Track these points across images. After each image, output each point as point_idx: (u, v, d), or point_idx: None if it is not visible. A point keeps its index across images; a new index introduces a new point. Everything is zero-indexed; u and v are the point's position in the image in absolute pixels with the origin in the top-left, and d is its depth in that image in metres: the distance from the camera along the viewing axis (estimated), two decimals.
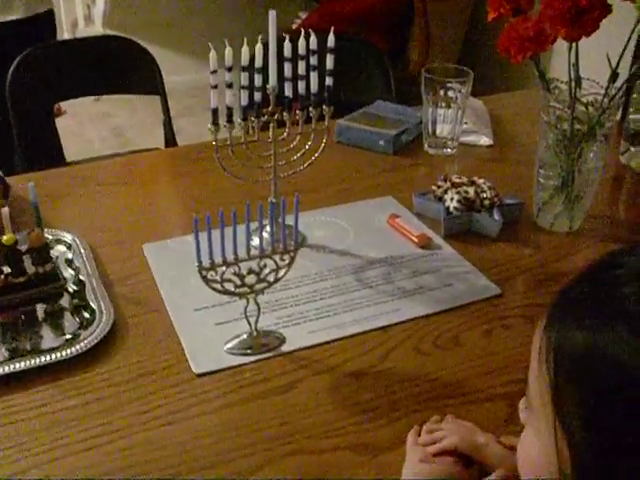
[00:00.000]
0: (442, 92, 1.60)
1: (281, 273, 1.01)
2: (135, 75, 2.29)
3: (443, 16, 3.17)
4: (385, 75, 2.21)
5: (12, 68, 2.07)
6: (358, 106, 1.78)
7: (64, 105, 3.78)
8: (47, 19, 2.52)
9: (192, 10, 4.40)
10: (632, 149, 1.64)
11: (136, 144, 3.67)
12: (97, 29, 4.31)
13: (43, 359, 1.02)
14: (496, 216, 1.33)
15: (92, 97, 3.36)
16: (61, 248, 1.27)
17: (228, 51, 1.09)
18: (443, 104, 1.61)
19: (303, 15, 3.73)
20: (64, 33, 4.22)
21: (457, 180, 1.39)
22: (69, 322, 1.12)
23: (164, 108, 2.28)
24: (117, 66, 2.28)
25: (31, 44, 2.14)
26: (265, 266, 0.99)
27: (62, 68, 2.22)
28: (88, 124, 4.07)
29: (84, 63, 2.25)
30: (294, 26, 3.52)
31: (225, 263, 0.96)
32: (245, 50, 1.11)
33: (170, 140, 2.30)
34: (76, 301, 1.16)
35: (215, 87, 1.11)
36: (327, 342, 1.07)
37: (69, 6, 4.34)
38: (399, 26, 3.41)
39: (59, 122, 2.70)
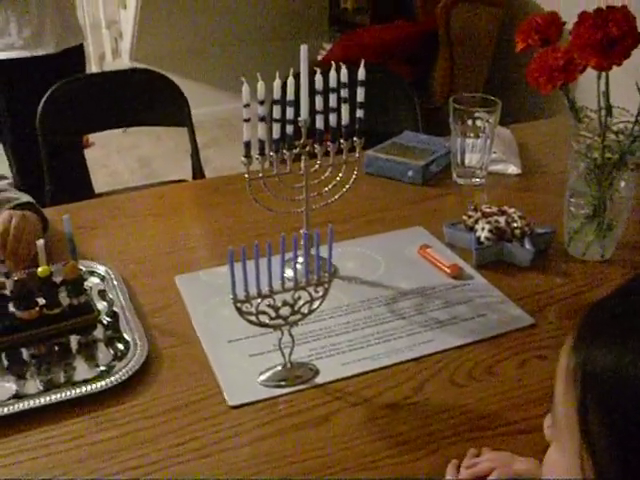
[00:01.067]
0: (470, 122, 1.61)
1: (315, 305, 1.01)
2: (163, 107, 2.32)
3: (467, 45, 3.18)
4: (410, 105, 2.22)
5: (42, 101, 2.10)
6: (383, 136, 1.78)
7: (92, 137, 3.83)
8: (77, 53, 2.57)
9: (217, 42, 4.46)
10: None
11: (162, 175, 3.71)
12: (124, 62, 4.38)
13: (78, 391, 1.03)
14: (527, 245, 1.33)
15: (119, 129, 3.40)
16: (94, 280, 1.29)
17: (260, 85, 1.10)
18: (471, 134, 1.61)
19: (327, 46, 3.77)
20: (92, 66, 4.29)
21: (487, 210, 1.39)
22: (103, 354, 1.13)
23: (192, 140, 2.30)
24: (145, 98, 2.31)
25: (62, 78, 2.18)
26: (299, 298, 1.00)
27: (91, 101, 2.25)
28: (115, 155, 4.12)
29: (112, 96, 2.28)
30: (319, 57, 3.55)
31: (260, 295, 0.96)
32: (277, 83, 1.12)
33: (197, 171, 2.32)
34: (110, 333, 1.17)
35: (248, 120, 1.12)
36: (361, 374, 1.07)
37: (97, 40, 4.42)
38: (423, 56, 3.44)
39: (87, 153, 2.74)
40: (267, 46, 4.50)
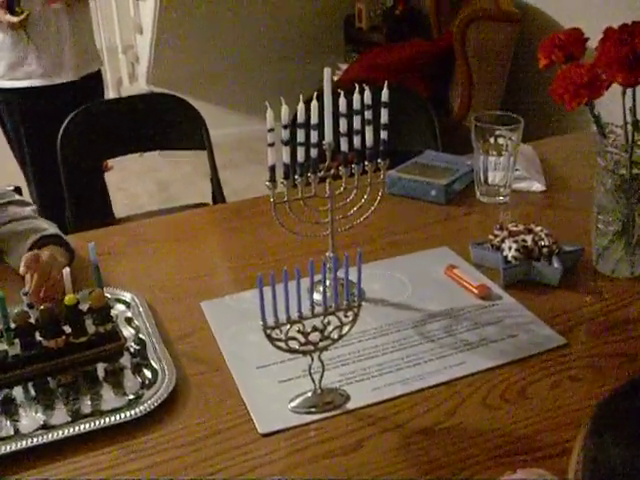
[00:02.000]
0: (492, 140, 1.60)
1: (345, 329, 1.00)
2: (181, 131, 2.32)
3: (484, 62, 3.17)
4: (430, 123, 2.21)
5: (62, 128, 2.11)
6: (403, 155, 1.77)
7: (111, 161, 3.86)
8: (96, 79, 2.59)
9: (233, 64, 4.48)
10: None
11: (181, 198, 3.71)
12: (141, 86, 4.41)
13: (107, 420, 1.02)
14: (556, 264, 1.31)
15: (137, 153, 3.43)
16: (120, 307, 1.28)
17: (284, 109, 1.10)
18: (494, 152, 1.60)
19: (343, 66, 3.77)
20: (109, 91, 4.32)
21: (514, 228, 1.37)
22: (131, 382, 1.12)
23: (211, 163, 2.30)
24: (163, 122, 2.32)
25: (81, 104, 2.19)
26: (329, 323, 0.99)
27: (110, 126, 2.26)
28: (134, 179, 4.13)
29: (130, 120, 2.30)
30: (335, 77, 3.56)
31: (289, 321, 0.95)
32: (301, 107, 1.12)
33: (218, 195, 2.32)
34: (137, 360, 1.16)
35: (272, 145, 1.11)
36: (392, 399, 1.06)
37: (114, 65, 4.45)
38: (440, 74, 3.43)
39: (105, 177, 2.75)
40: (283, 67, 4.51)
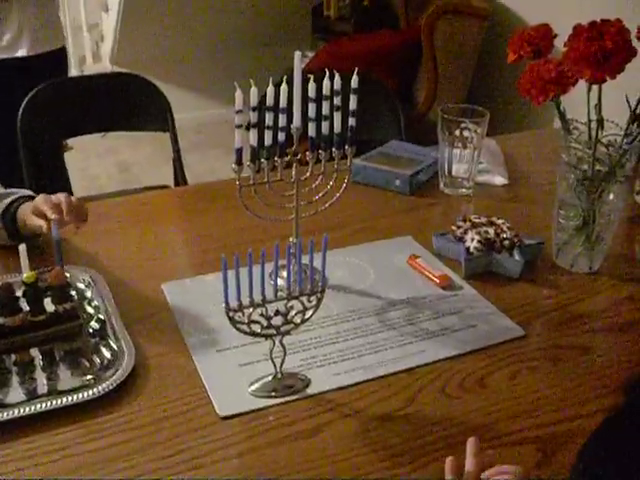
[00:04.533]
0: (458, 132, 1.61)
1: (308, 314, 1.00)
2: (144, 112, 2.30)
3: (451, 55, 3.19)
4: (394, 113, 2.22)
5: (23, 105, 2.07)
6: (367, 144, 1.78)
7: (70, 141, 3.80)
8: (59, 56, 2.54)
9: (198, 47, 4.45)
10: None
11: (141, 180, 3.68)
12: (105, 65, 4.35)
13: (64, 400, 1.01)
14: (517, 256, 1.33)
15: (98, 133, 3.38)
16: (80, 286, 1.26)
17: (253, 91, 1.09)
18: (459, 144, 1.61)
19: (310, 54, 3.76)
20: (72, 69, 4.25)
21: (476, 220, 1.38)
22: (89, 362, 1.10)
23: (174, 146, 2.28)
24: (126, 103, 2.29)
25: (43, 80, 2.15)
26: (292, 307, 0.98)
27: (72, 105, 2.23)
28: (94, 160, 4.08)
29: (93, 100, 2.26)
30: (302, 65, 3.55)
31: (253, 304, 0.95)
32: (271, 90, 1.11)
33: (180, 177, 2.30)
34: (96, 340, 1.14)
35: (239, 127, 1.11)
36: (353, 385, 1.06)
37: (77, 43, 4.38)
38: (406, 65, 3.44)
39: (65, 158, 2.71)
40: (248, 53, 4.49)
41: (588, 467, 0.61)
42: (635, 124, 1.27)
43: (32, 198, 1.37)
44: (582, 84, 1.23)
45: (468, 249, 1.34)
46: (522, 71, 1.27)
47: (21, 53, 2.37)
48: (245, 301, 0.95)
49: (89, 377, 1.06)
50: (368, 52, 3.38)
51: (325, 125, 1.17)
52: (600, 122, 1.24)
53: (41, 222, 1.26)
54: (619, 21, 1.14)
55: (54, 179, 2.58)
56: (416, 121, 3.11)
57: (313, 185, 1.23)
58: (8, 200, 1.36)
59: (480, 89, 3.44)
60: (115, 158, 4.15)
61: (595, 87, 1.22)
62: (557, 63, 1.20)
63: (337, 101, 1.15)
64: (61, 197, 1.30)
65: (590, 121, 1.26)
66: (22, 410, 0.99)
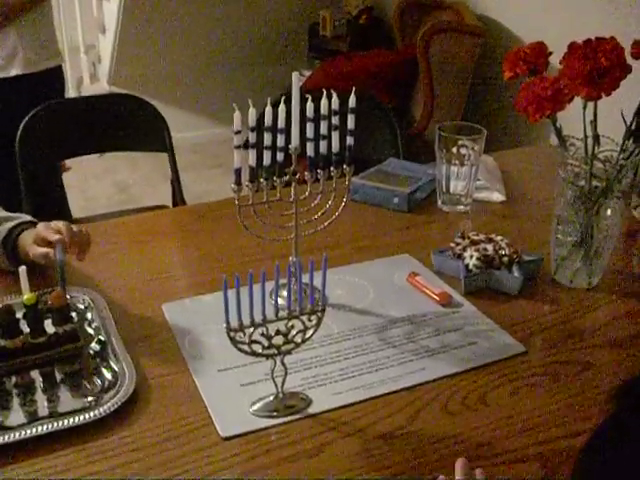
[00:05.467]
0: (455, 150, 1.61)
1: (309, 333, 1.00)
2: (142, 132, 2.31)
3: (447, 73, 3.21)
4: (392, 132, 2.23)
5: (22, 126, 2.08)
6: (365, 162, 1.78)
7: (68, 162, 3.81)
8: (55, 75, 2.55)
9: (195, 67, 4.47)
10: None
11: (140, 201, 3.68)
12: (102, 86, 4.36)
13: (65, 422, 1.01)
14: (516, 273, 1.33)
15: (96, 154, 3.39)
16: (80, 307, 1.26)
17: (252, 111, 1.10)
18: (456, 161, 1.62)
19: (306, 73, 3.78)
20: (69, 91, 4.26)
21: (475, 237, 1.39)
22: (90, 383, 1.10)
23: (172, 165, 2.29)
24: (124, 123, 2.30)
25: (39, 99, 2.16)
26: (292, 327, 0.99)
27: (70, 125, 2.24)
28: (92, 180, 4.08)
29: (91, 120, 2.27)
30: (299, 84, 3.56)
31: (253, 324, 0.95)
32: (269, 110, 1.12)
33: (178, 197, 2.31)
34: (97, 361, 1.14)
35: (238, 147, 1.11)
36: (354, 403, 1.06)
37: (75, 64, 4.40)
38: (403, 84, 3.46)
39: (63, 178, 2.71)
40: (245, 73, 4.51)
41: None
42: (631, 140, 1.28)
43: (33, 224, 1.37)
44: (578, 101, 1.23)
45: (467, 266, 1.34)
46: (518, 88, 1.28)
47: (15, 72, 2.38)
48: (246, 321, 0.95)
49: (90, 399, 1.06)
50: (364, 71, 3.40)
51: (323, 144, 1.18)
52: (596, 138, 1.25)
53: (45, 249, 1.26)
54: (613, 39, 1.15)
55: (52, 200, 2.58)
56: (413, 139, 3.12)
57: (312, 204, 1.23)
58: (9, 225, 1.35)
59: (476, 106, 3.45)
60: (113, 178, 4.16)
61: (591, 104, 1.23)
62: (553, 81, 1.21)
63: (335, 120, 1.16)
64: (60, 224, 1.30)
65: (586, 137, 1.27)
66: (23, 433, 0.99)
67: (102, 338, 1.18)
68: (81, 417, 1.01)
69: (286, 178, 1.18)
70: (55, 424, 1.00)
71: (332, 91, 1.16)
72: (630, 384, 0.62)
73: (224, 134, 4.06)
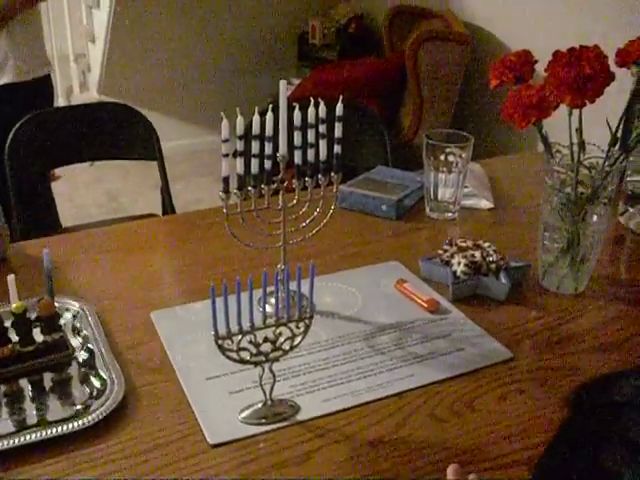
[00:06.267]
0: (443, 157, 1.62)
1: (297, 341, 1.01)
2: (132, 141, 2.31)
3: (435, 81, 3.23)
4: (381, 139, 2.24)
5: (10, 135, 2.08)
6: (353, 170, 1.80)
7: (58, 171, 3.81)
8: (44, 84, 2.55)
9: (184, 76, 4.47)
10: (631, 210, 1.66)
11: (130, 209, 3.68)
12: (92, 95, 4.37)
13: (53, 431, 1.01)
14: (503, 279, 1.34)
15: (86, 162, 3.40)
16: (68, 316, 1.26)
17: (239, 120, 1.10)
18: (444, 169, 1.63)
19: (296, 81, 3.79)
20: (59, 99, 4.26)
21: (463, 244, 1.40)
22: (79, 392, 1.10)
23: (162, 174, 2.30)
24: (114, 132, 2.31)
25: (28, 107, 2.17)
26: (280, 334, 0.99)
27: (60, 134, 2.24)
28: (82, 189, 4.08)
29: (81, 129, 2.28)
30: (288, 92, 3.57)
31: (241, 332, 0.96)
32: (256, 119, 1.12)
33: (168, 206, 2.31)
34: (85, 370, 1.14)
35: (226, 155, 1.12)
36: (342, 410, 1.06)
37: (64, 73, 4.40)
38: (391, 92, 3.48)
39: (53, 187, 2.72)
40: (235, 81, 4.52)
41: None
42: (616, 146, 1.30)
43: None
44: (563, 108, 1.25)
45: (455, 273, 1.35)
46: (505, 95, 1.29)
47: (5, 80, 2.38)
48: (234, 328, 0.96)
49: (79, 407, 1.06)
50: (353, 79, 3.41)
51: (311, 153, 1.18)
52: (582, 145, 1.26)
53: None
54: (597, 47, 1.16)
55: (42, 208, 2.59)
56: (402, 146, 3.14)
57: (300, 212, 1.24)
58: None
59: (464, 113, 3.47)
60: (103, 187, 4.16)
61: (576, 111, 1.24)
62: (538, 88, 1.22)
63: (322, 129, 1.17)
64: None
65: (572, 144, 1.28)
66: (12, 441, 0.99)
67: (91, 346, 1.18)
68: (70, 425, 1.01)
69: (274, 186, 1.18)
70: (44, 432, 1.00)
71: (319, 99, 1.16)
72: (584, 389, 0.63)
73: (214, 142, 4.06)
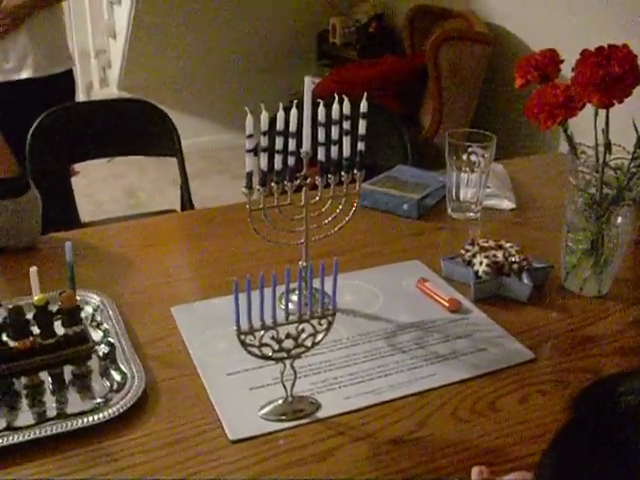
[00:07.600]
0: (465, 157, 1.61)
1: (319, 337, 1.00)
2: (152, 137, 2.32)
3: (456, 80, 3.22)
4: (400, 139, 2.23)
5: (31, 130, 2.09)
6: (373, 169, 1.78)
7: (77, 166, 3.82)
8: (65, 79, 2.56)
9: (204, 73, 4.48)
10: None
11: (148, 206, 3.69)
12: (112, 91, 4.38)
13: (73, 424, 1.01)
14: (526, 280, 1.33)
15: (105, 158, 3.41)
16: (89, 309, 1.27)
17: (264, 115, 1.10)
18: (466, 168, 1.62)
19: (316, 80, 3.79)
20: (79, 95, 4.28)
21: (485, 244, 1.39)
22: (99, 385, 1.10)
23: (181, 171, 2.29)
24: (133, 128, 2.31)
25: (50, 103, 2.17)
26: (303, 330, 0.98)
27: (80, 129, 2.25)
28: (101, 185, 4.10)
29: (100, 125, 2.28)
30: None
31: (264, 327, 0.95)
32: (281, 115, 1.12)
33: (187, 202, 2.31)
34: (106, 363, 1.14)
35: (250, 151, 1.11)
36: (363, 408, 1.06)
37: (85, 69, 4.42)
38: (412, 91, 3.47)
39: (72, 183, 2.73)
40: (255, 79, 4.52)
41: None
42: None
43: None
44: (589, 108, 1.23)
45: (477, 273, 1.34)
46: (527, 95, 1.28)
47: (26, 74, 2.40)
48: (256, 324, 0.95)
49: (99, 400, 1.06)
50: (374, 78, 3.41)
51: (334, 149, 1.18)
52: (607, 146, 1.25)
53: None
54: (626, 46, 1.15)
55: (61, 203, 2.59)
56: (422, 146, 3.13)
57: (322, 209, 1.23)
58: None
59: (485, 113, 3.46)
60: (121, 183, 4.17)
61: (602, 111, 1.22)
62: (564, 88, 1.21)
63: (347, 125, 1.16)
64: None
65: (598, 145, 1.27)
66: (31, 433, 0.99)
67: (111, 340, 1.18)
68: (89, 419, 1.01)
69: (297, 182, 1.18)
70: (63, 425, 1.00)
71: (344, 96, 1.16)
72: (588, 391, 0.62)
73: (232, 140, 4.08)
